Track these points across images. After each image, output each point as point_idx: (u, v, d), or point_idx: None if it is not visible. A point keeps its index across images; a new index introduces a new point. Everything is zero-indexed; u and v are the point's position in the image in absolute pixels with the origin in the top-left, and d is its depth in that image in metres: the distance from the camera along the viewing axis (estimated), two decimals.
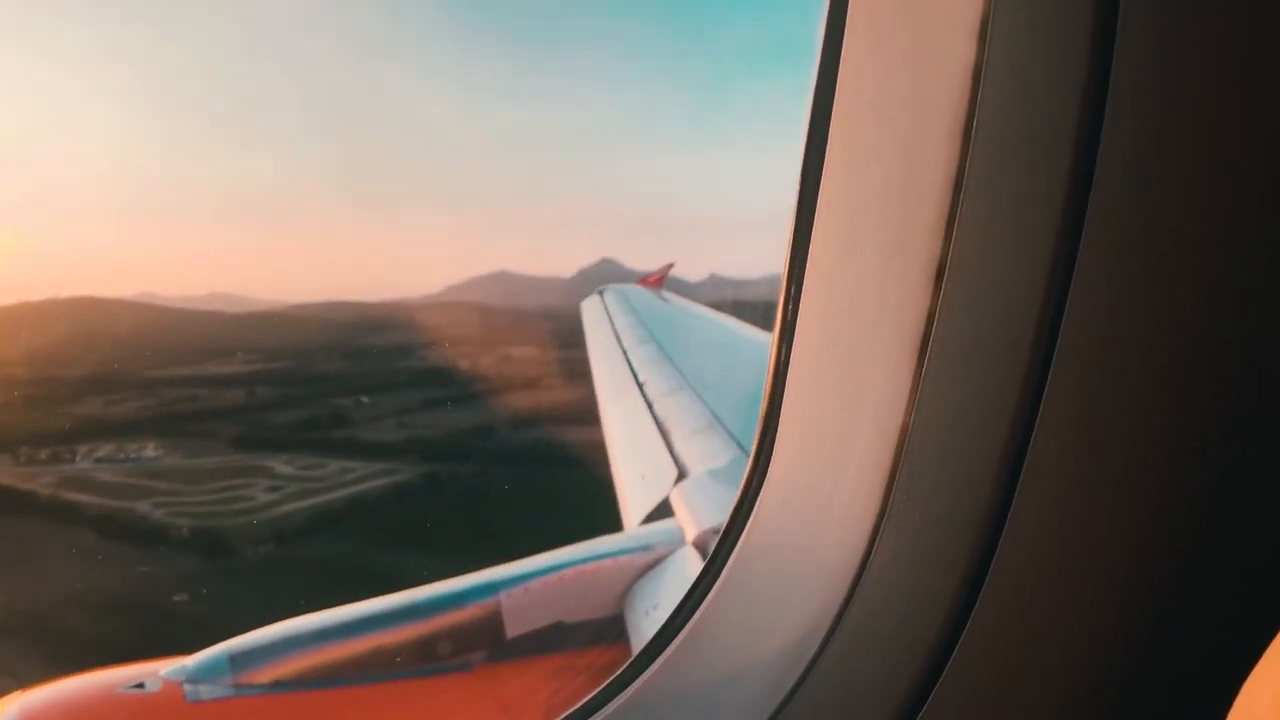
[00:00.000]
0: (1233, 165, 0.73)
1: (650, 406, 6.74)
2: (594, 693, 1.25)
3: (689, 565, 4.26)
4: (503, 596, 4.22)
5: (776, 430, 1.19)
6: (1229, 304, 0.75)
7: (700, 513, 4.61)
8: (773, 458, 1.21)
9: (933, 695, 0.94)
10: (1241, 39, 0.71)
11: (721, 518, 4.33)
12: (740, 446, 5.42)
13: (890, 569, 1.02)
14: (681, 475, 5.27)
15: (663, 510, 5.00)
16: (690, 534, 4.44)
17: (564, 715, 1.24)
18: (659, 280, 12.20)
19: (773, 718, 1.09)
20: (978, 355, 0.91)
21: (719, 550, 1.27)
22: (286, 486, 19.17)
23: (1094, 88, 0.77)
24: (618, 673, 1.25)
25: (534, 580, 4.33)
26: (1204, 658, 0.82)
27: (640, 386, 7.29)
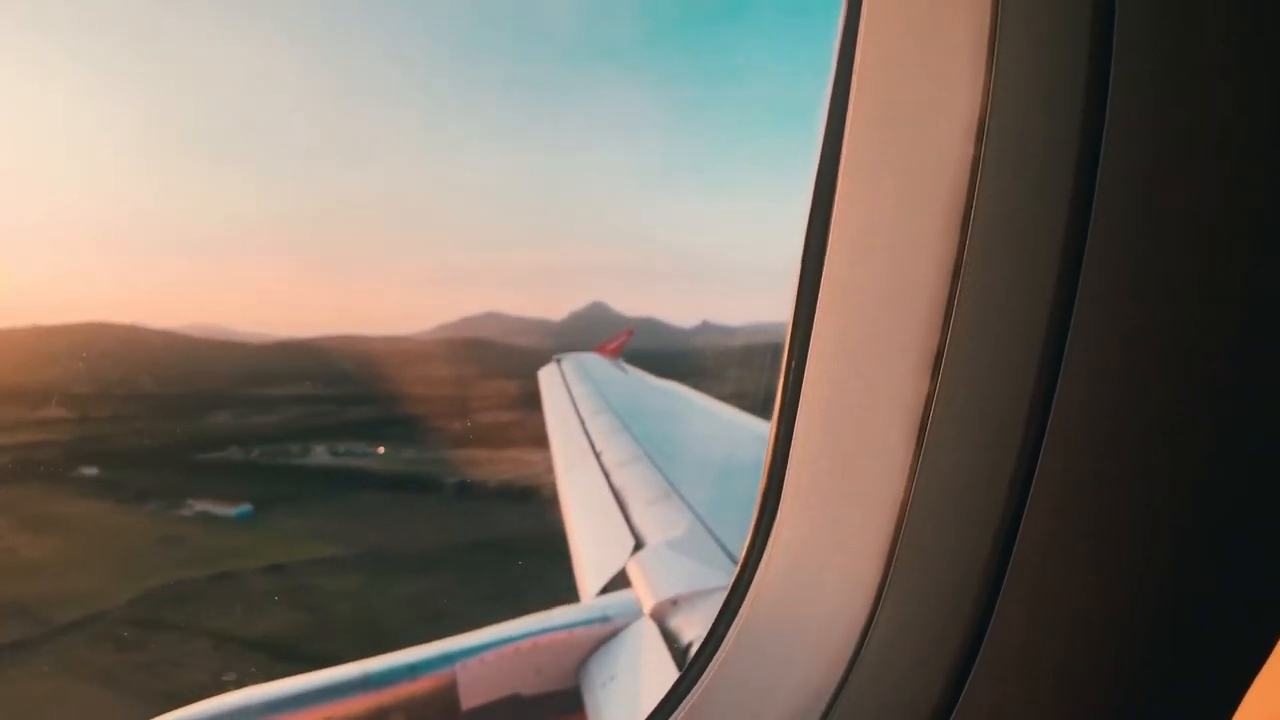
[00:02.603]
0: (1224, 254, 0.78)
1: (607, 476, 6.74)
2: None
3: (646, 637, 4.25)
4: (458, 668, 4.16)
5: (777, 506, 1.23)
6: (1220, 394, 0.80)
7: (658, 583, 4.60)
8: (772, 533, 1.24)
9: None
10: (1229, 138, 0.77)
11: (679, 588, 4.35)
12: (697, 516, 5.43)
13: (889, 641, 1.06)
14: (639, 545, 5.26)
15: (620, 581, 4.98)
16: (648, 605, 4.42)
17: None
18: (616, 349, 12.27)
19: None
20: (973, 437, 0.96)
21: (718, 624, 1.29)
22: None
23: (1083, 186, 0.83)
24: None
25: (490, 651, 4.27)
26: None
27: (597, 456, 7.29)
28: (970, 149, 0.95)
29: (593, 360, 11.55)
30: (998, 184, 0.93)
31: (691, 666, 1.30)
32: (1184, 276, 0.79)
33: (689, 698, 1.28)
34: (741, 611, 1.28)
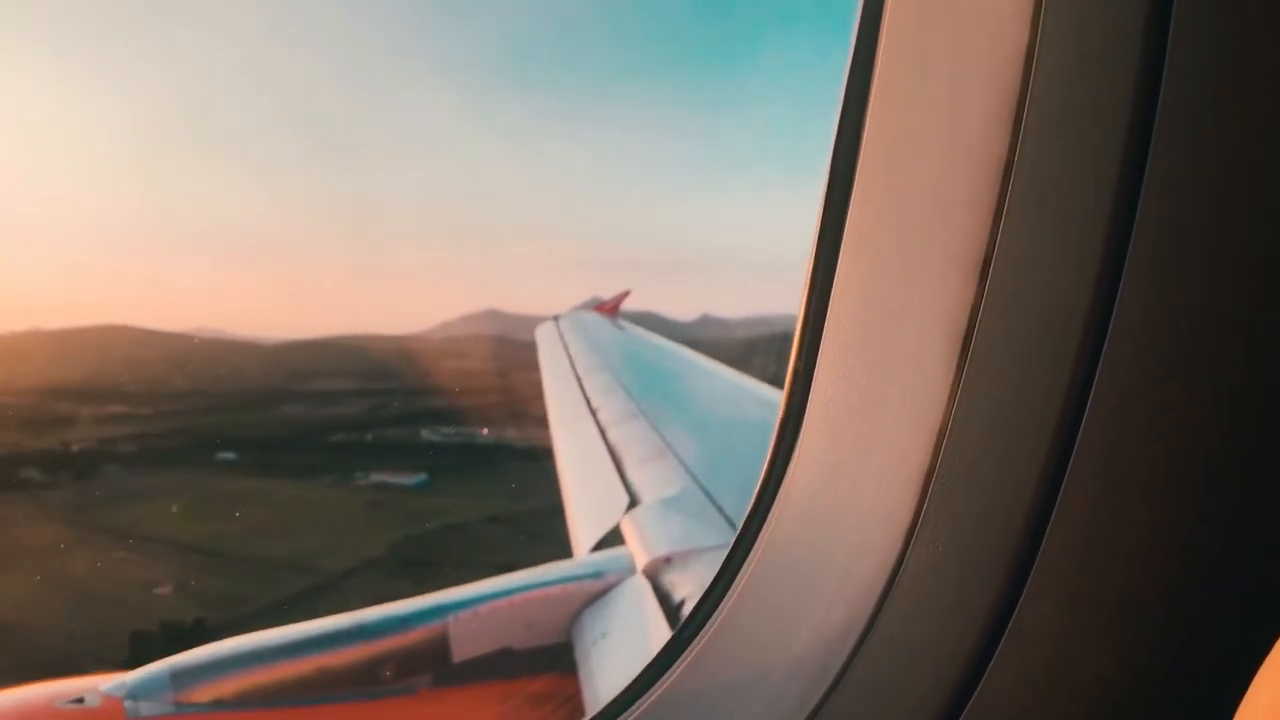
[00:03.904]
0: None
1: (603, 433, 6.71)
2: (607, 703, 1.21)
3: (639, 594, 4.24)
4: (450, 620, 4.15)
5: (799, 426, 1.14)
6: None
7: (651, 540, 4.59)
8: (794, 457, 1.15)
9: (968, 708, 0.90)
10: None
11: (672, 546, 4.33)
12: (692, 475, 5.42)
13: (925, 575, 0.98)
14: (633, 503, 5.25)
15: (613, 538, 4.97)
16: (641, 562, 4.42)
17: None
18: (614, 308, 12.19)
19: None
20: (1022, 353, 0.87)
21: (734, 553, 1.21)
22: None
23: (1148, 75, 0.75)
24: (630, 682, 1.22)
25: (482, 605, 4.27)
26: (1240, 661, 0.81)
27: (593, 413, 7.25)
28: (1025, 36, 0.86)
29: (591, 318, 11.47)
30: (1055, 73, 0.84)
31: (700, 608, 1.22)
32: (1258, 178, 0.72)
33: (695, 642, 1.20)
34: (756, 546, 1.19)
